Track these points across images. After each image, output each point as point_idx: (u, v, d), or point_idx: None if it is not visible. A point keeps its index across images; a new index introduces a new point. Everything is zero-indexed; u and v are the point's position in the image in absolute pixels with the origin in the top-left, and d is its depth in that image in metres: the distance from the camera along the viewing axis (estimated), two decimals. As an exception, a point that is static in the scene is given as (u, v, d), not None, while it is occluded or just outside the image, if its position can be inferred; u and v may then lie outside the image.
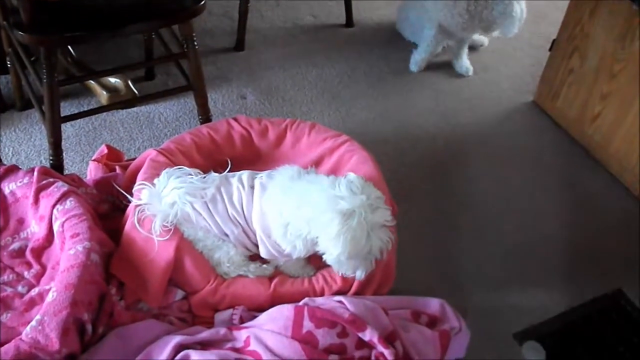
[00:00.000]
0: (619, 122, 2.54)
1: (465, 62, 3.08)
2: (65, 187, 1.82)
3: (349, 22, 3.37)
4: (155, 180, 1.75)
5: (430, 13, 2.94)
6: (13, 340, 1.47)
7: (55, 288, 1.55)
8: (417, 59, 3.07)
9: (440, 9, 2.84)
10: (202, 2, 2.06)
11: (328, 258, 1.63)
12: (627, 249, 2.31)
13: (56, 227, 1.76)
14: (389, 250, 1.63)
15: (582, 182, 2.58)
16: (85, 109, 2.46)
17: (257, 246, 1.75)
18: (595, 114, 2.64)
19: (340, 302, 1.64)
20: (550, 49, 2.88)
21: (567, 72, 2.77)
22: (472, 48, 3.22)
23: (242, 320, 1.68)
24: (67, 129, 2.41)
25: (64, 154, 2.15)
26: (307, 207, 1.60)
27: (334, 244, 1.56)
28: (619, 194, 2.54)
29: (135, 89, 2.60)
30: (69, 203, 1.78)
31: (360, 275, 1.65)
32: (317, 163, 2.00)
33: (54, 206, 1.78)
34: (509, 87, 3.07)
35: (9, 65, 2.39)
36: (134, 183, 1.83)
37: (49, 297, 1.54)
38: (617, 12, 2.46)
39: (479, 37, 3.24)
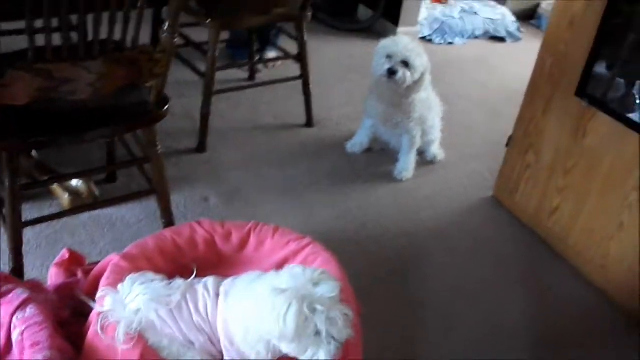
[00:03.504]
0: (577, 215, 2.60)
1: (403, 165, 3.12)
2: (25, 294, 1.79)
3: (309, 122, 3.44)
4: (119, 286, 1.72)
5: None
6: None
7: (14, 401, 1.51)
8: (352, 142, 3.27)
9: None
10: (165, 108, 2.10)
11: (277, 342, 1.60)
12: (589, 338, 2.33)
13: (15, 335, 1.71)
14: (351, 336, 1.60)
15: (543, 275, 2.62)
16: (47, 213, 2.45)
17: (222, 354, 1.72)
18: (553, 208, 2.70)
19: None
20: (507, 145, 2.96)
21: (524, 167, 2.84)
22: (429, 161, 3.29)
23: None
24: (27, 232, 2.36)
25: (24, 259, 2.12)
26: (257, 304, 1.60)
27: (274, 324, 1.53)
28: (580, 285, 2.58)
29: (97, 191, 2.59)
30: (29, 310, 1.74)
31: (310, 355, 1.60)
32: (281, 266, 1.99)
33: (13, 314, 1.74)
34: (469, 184, 3.13)
35: (-32, 169, 2.37)
36: (97, 289, 1.80)
37: (7, 411, 1.49)
38: (568, 109, 2.55)
39: (436, 152, 3.29)
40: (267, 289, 1.58)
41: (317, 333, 1.54)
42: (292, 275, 1.60)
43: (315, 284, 1.58)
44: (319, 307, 1.53)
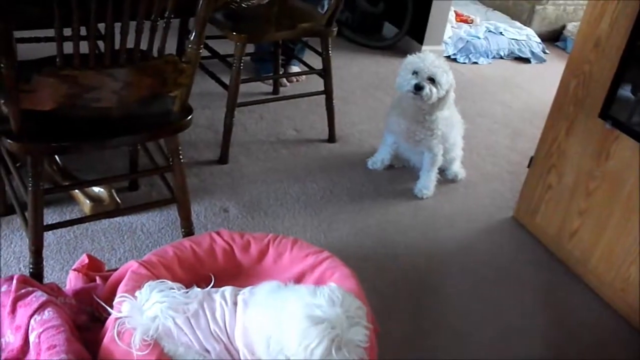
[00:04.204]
0: (597, 238, 2.58)
1: (423, 183, 3.12)
2: (44, 297, 1.80)
3: (331, 137, 3.45)
4: (137, 293, 1.73)
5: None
6: None
7: (29, 402, 1.52)
8: (373, 158, 3.27)
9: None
10: (189, 118, 2.11)
11: None
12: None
13: (32, 338, 1.72)
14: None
15: (561, 297, 2.60)
16: (68, 217, 2.47)
17: (238, 363, 1.72)
18: (574, 230, 2.69)
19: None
20: (528, 166, 2.95)
21: (545, 188, 2.83)
22: (450, 180, 3.29)
23: None
24: (48, 236, 2.39)
25: (44, 262, 2.13)
26: (285, 316, 1.59)
27: (302, 351, 1.54)
28: (599, 308, 2.56)
29: (119, 198, 2.60)
30: (47, 314, 1.75)
31: None
32: (298, 279, 2.00)
33: (31, 316, 1.75)
34: (489, 203, 3.12)
35: (-7, 171, 2.40)
36: (114, 295, 1.81)
37: (22, 412, 1.50)
38: (591, 131, 2.54)
39: (457, 171, 3.29)
40: (302, 309, 1.57)
41: None
42: (331, 301, 1.59)
43: (351, 319, 1.57)
44: (345, 351, 1.54)
